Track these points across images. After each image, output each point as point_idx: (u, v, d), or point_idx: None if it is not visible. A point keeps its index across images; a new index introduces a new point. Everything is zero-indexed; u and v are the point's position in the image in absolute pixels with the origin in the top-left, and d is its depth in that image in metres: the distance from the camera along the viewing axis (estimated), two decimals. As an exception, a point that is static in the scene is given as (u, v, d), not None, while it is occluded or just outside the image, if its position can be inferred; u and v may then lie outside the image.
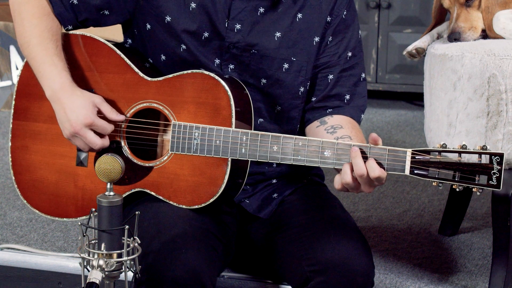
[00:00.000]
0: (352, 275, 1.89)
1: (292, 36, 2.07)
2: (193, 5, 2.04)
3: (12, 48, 4.63)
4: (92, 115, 1.96)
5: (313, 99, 2.13)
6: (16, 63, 4.64)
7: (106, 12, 2.08)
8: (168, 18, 2.04)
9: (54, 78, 1.99)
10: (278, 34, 2.06)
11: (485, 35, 2.43)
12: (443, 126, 2.37)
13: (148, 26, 2.07)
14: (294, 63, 2.07)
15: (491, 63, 2.24)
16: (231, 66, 2.06)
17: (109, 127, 1.98)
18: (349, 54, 2.13)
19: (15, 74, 4.65)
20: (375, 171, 1.78)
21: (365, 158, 1.80)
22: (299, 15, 2.07)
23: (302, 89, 2.10)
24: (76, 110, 1.95)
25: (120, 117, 2.00)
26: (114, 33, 2.32)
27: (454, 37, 2.42)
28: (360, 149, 1.80)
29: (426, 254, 2.69)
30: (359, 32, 2.16)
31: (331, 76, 2.11)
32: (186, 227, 1.92)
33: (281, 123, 2.11)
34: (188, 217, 1.95)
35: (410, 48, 2.62)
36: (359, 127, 2.10)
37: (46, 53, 2.01)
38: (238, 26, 2.04)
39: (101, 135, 1.98)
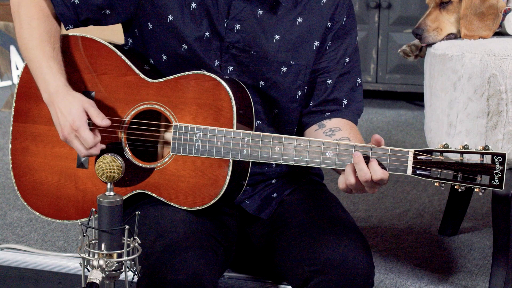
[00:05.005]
0: (352, 275, 1.89)
1: (292, 39, 2.07)
2: (193, 4, 2.04)
3: (12, 48, 4.64)
4: (78, 121, 1.93)
5: (311, 103, 2.13)
6: (16, 63, 4.64)
7: (108, 11, 2.08)
8: (171, 17, 2.04)
9: (49, 81, 1.98)
10: (277, 37, 2.06)
11: (455, 38, 2.46)
12: (443, 126, 2.38)
13: (150, 25, 2.07)
14: (293, 67, 2.07)
15: (491, 63, 2.24)
16: (230, 68, 2.06)
17: (91, 141, 1.93)
18: (347, 59, 2.13)
19: (15, 74, 4.65)
20: (377, 174, 1.78)
21: (366, 159, 1.81)
22: (300, 19, 2.07)
23: (299, 93, 2.10)
24: (66, 115, 1.95)
25: (105, 123, 1.95)
26: (114, 33, 2.32)
27: (417, 32, 2.46)
28: (361, 148, 1.81)
29: (426, 254, 2.69)
30: (357, 38, 2.17)
31: (329, 81, 2.11)
32: (186, 230, 1.92)
33: (278, 126, 2.11)
34: (188, 220, 1.95)
35: (404, 46, 2.63)
36: (357, 129, 2.10)
37: (43, 55, 2.00)
38: (237, 26, 2.04)
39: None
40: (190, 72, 1.98)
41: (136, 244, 1.74)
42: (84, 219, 2.07)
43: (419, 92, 4.15)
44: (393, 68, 4.75)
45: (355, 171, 1.81)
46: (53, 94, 1.97)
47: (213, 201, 1.94)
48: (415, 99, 4.93)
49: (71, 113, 1.94)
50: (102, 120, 1.96)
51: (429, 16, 2.46)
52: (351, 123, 2.10)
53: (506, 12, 2.44)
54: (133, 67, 2.03)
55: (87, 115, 1.96)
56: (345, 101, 2.12)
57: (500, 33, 2.48)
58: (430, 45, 2.47)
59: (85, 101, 1.97)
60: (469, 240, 2.81)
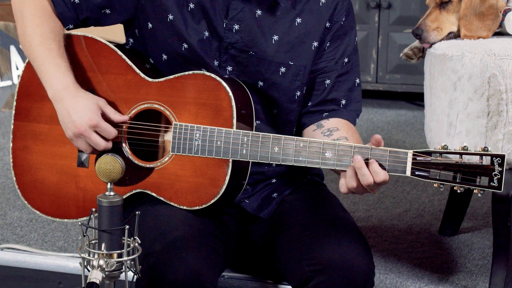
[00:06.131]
0: (352, 275, 1.89)
1: (290, 40, 2.07)
2: (191, 5, 2.04)
3: (12, 48, 4.63)
4: (97, 116, 1.96)
5: (310, 103, 2.13)
6: (16, 63, 4.64)
7: (108, 11, 2.08)
8: (171, 17, 2.04)
9: (57, 78, 1.99)
10: (275, 37, 2.06)
11: (455, 38, 2.46)
12: (444, 126, 2.38)
13: (150, 25, 2.07)
14: (291, 67, 2.07)
15: (491, 63, 2.24)
16: (230, 68, 2.06)
17: (113, 131, 1.98)
18: (346, 60, 2.13)
19: (15, 74, 4.65)
20: (380, 176, 1.78)
21: (366, 161, 1.81)
22: (298, 20, 2.07)
23: (298, 93, 2.10)
24: (80, 111, 1.95)
25: (124, 118, 2.00)
26: (115, 33, 2.32)
27: (417, 32, 2.46)
28: (364, 158, 1.81)
29: (426, 254, 2.69)
30: (356, 38, 2.16)
31: (328, 81, 2.12)
32: (186, 229, 1.92)
33: (277, 126, 2.12)
34: (188, 219, 1.95)
35: (406, 49, 2.64)
36: (355, 129, 2.10)
37: (48, 53, 2.01)
38: (236, 27, 2.04)
39: (104, 138, 1.98)
40: (190, 72, 1.98)
41: (136, 244, 1.74)
42: (84, 218, 2.07)
43: (419, 92, 4.15)
44: (393, 68, 4.75)
45: (356, 174, 1.81)
46: (62, 91, 1.97)
47: (212, 201, 1.94)
48: (415, 99, 4.93)
49: (87, 109, 1.95)
50: (121, 117, 1.99)
51: (429, 16, 2.46)
52: (349, 123, 2.10)
53: (505, 12, 2.44)
54: (133, 66, 2.03)
55: (103, 113, 1.98)
56: (343, 101, 2.13)
57: (500, 33, 2.48)
58: (431, 45, 2.47)
59: (99, 99, 1.99)
60: (469, 240, 2.81)
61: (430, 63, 2.47)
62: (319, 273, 1.91)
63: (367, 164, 1.80)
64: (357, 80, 2.16)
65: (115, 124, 2.00)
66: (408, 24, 4.67)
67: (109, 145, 1.99)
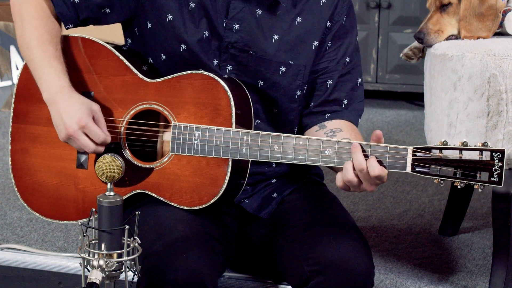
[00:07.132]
0: (352, 275, 1.89)
1: (291, 39, 2.07)
2: (192, 4, 2.04)
3: (12, 48, 4.64)
4: (86, 118, 1.95)
5: (312, 103, 2.13)
6: (16, 63, 4.65)
7: (108, 10, 2.08)
8: (170, 17, 2.04)
9: (52, 81, 1.98)
10: (276, 37, 2.06)
11: (455, 39, 2.47)
12: (444, 126, 2.38)
13: (149, 25, 2.07)
14: (292, 67, 2.07)
15: (491, 63, 2.24)
16: (230, 67, 2.06)
17: (102, 135, 1.96)
18: (347, 59, 2.13)
19: (15, 74, 4.65)
20: (375, 170, 1.78)
21: (366, 157, 1.81)
22: (299, 19, 2.07)
23: (299, 92, 2.10)
24: (71, 113, 1.95)
25: (107, 138, 1.97)
26: (114, 33, 2.32)
27: (419, 36, 2.48)
28: (361, 145, 1.81)
29: (426, 254, 2.69)
30: (357, 37, 2.16)
31: (330, 82, 2.11)
32: (186, 231, 1.92)
33: (278, 125, 2.12)
34: (188, 220, 1.95)
35: (406, 49, 2.64)
36: (358, 130, 2.11)
37: (45, 55, 2.00)
38: (236, 26, 2.04)
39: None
40: (189, 72, 1.98)
41: (136, 244, 1.74)
42: (84, 220, 2.07)
43: (419, 92, 4.15)
44: (393, 68, 4.75)
45: (353, 169, 1.81)
46: (57, 94, 1.97)
47: (212, 200, 1.94)
48: (415, 99, 4.93)
49: (78, 111, 1.94)
50: (106, 135, 1.97)
51: (431, 19, 2.47)
52: (352, 124, 2.11)
53: (505, 13, 2.44)
54: (131, 67, 2.03)
55: (94, 119, 1.97)
56: (345, 102, 2.13)
57: (501, 33, 2.49)
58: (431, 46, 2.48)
59: (93, 104, 1.98)
60: (469, 240, 2.81)
61: (430, 63, 2.47)
62: (319, 273, 1.91)
63: (365, 157, 1.80)
64: (359, 80, 2.16)
65: (110, 128, 2.00)
66: (408, 24, 4.67)
67: (99, 149, 1.98)
